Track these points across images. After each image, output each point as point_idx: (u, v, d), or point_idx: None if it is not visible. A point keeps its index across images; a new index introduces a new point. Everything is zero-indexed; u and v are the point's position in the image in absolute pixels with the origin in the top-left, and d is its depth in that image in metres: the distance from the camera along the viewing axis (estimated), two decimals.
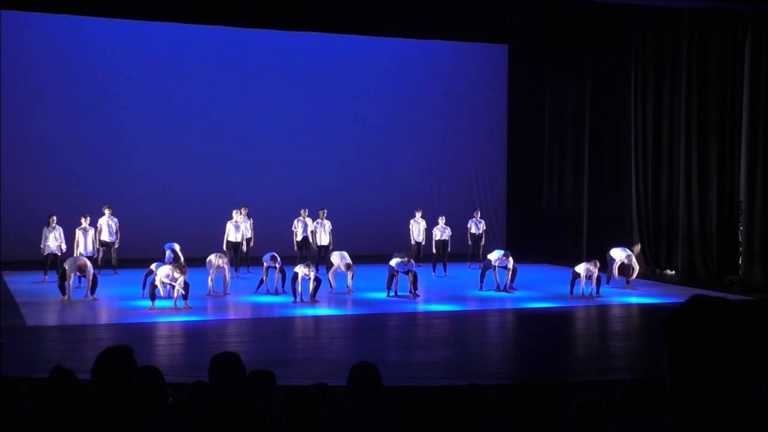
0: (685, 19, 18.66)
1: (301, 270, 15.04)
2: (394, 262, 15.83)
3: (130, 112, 20.95)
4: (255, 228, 19.27)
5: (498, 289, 16.62)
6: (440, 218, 19.94)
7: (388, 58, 22.61)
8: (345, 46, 21.81)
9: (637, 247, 17.54)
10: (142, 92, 21.02)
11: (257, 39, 21.08)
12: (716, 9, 17.39)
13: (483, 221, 20.59)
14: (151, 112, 21.12)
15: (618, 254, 17.19)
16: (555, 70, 23.22)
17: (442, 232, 19.64)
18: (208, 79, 21.51)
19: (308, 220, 18.99)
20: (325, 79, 22.29)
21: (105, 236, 17.75)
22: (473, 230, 20.36)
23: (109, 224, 17.88)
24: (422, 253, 19.54)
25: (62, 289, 14.81)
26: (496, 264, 16.73)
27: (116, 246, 18.04)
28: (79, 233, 17.12)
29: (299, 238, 18.99)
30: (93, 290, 14.99)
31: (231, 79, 21.66)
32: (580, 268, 15.90)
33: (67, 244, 17.17)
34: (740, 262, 18.08)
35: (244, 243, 18.70)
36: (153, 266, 14.89)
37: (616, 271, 17.10)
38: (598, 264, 16.00)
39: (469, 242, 20.37)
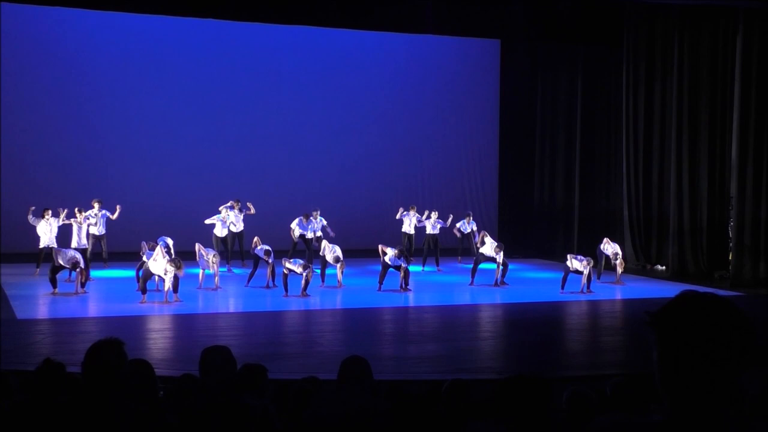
0: (677, 15, 18.69)
1: (292, 265, 15.04)
2: (388, 257, 15.83)
3: (123, 105, 20.91)
4: (248, 221, 19.22)
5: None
6: (433, 213, 19.79)
7: (380, 52, 22.59)
8: (336, 41, 21.78)
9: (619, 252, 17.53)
10: (136, 86, 20.97)
11: (250, 33, 21.03)
12: (707, 5, 17.42)
13: (474, 223, 20.25)
14: (145, 105, 21.07)
15: (606, 248, 17.28)
16: (547, 65, 23.24)
17: (433, 226, 19.55)
18: (202, 73, 21.47)
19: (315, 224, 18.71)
20: (316, 74, 22.26)
21: (93, 230, 17.69)
22: (462, 228, 20.23)
23: (97, 216, 17.80)
24: (413, 247, 19.47)
25: (53, 282, 14.77)
26: (487, 255, 16.74)
27: (104, 241, 17.98)
28: (74, 226, 17.06)
29: (297, 235, 18.80)
30: (83, 284, 14.96)
31: (224, 73, 21.62)
32: (573, 264, 15.91)
33: (60, 237, 17.08)
34: (730, 257, 18.14)
35: (229, 238, 18.58)
36: (144, 257, 14.87)
37: (603, 265, 17.22)
38: (591, 262, 16.04)
39: (459, 235, 20.23)
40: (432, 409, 4.26)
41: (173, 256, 14.74)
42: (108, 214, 17.83)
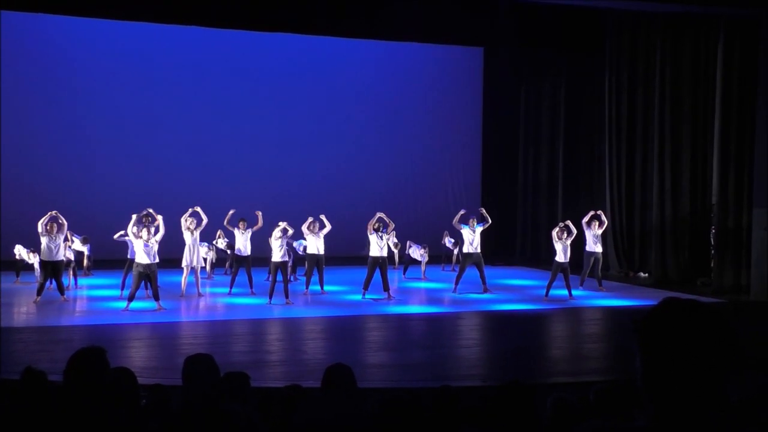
0: (659, 23, 18.81)
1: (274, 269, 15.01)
2: (373, 245, 15.70)
3: (108, 113, 20.85)
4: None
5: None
6: (420, 247, 19.36)
7: (364, 60, 22.62)
8: (320, 48, 21.77)
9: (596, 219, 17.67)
10: (123, 92, 20.94)
11: (237, 40, 21.01)
12: (689, 12, 17.53)
13: (453, 240, 20.04)
14: (129, 113, 21.03)
15: (591, 241, 17.26)
16: (530, 72, 23.32)
17: (418, 251, 19.15)
18: (189, 80, 21.45)
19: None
20: (300, 81, 22.27)
21: (78, 246, 17.62)
22: (447, 241, 20.17)
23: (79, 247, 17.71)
24: (397, 259, 19.32)
25: (40, 290, 14.65)
26: (471, 231, 16.56)
27: (88, 256, 17.86)
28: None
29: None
30: (62, 291, 14.86)
31: (211, 80, 21.60)
32: (557, 240, 16.06)
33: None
34: (712, 264, 18.24)
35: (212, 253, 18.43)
36: (129, 257, 14.81)
37: (591, 263, 17.15)
38: (569, 223, 16.17)
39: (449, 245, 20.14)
40: (422, 417, 4.26)
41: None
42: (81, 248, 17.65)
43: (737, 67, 17.22)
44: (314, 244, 16.07)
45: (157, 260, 14.13)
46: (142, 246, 14.00)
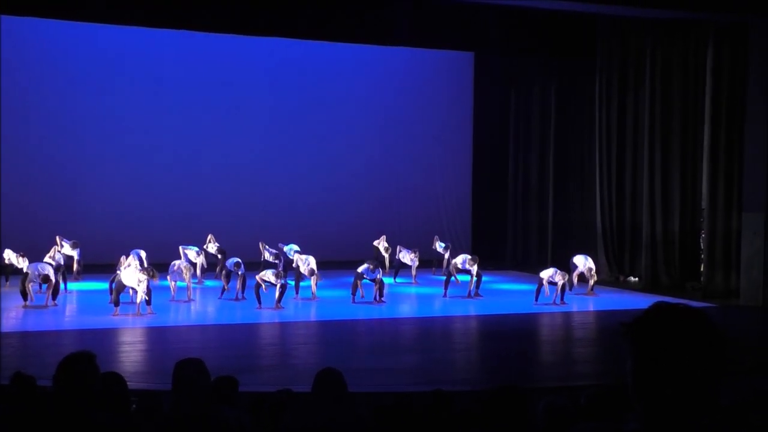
0: (649, 28, 18.88)
1: (266, 275, 14.97)
2: (361, 268, 15.82)
3: (99, 118, 20.76)
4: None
5: (456, 281, 16.65)
6: (410, 252, 19.27)
7: (353, 64, 22.59)
8: (310, 53, 21.73)
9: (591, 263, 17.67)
10: (115, 98, 20.84)
11: (225, 45, 20.96)
12: (679, 18, 17.62)
13: (444, 244, 19.96)
14: (122, 118, 20.94)
15: (580, 261, 17.32)
16: (520, 77, 23.35)
17: (408, 255, 19.13)
18: (182, 85, 21.39)
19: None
20: (291, 86, 22.23)
21: (68, 251, 17.55)
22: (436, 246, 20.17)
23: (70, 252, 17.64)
24: (388, 263, 19.31)
25: (24, 294, 14.60)
26: (461, 267, 16.72)
27: (77, 260, 17.79)
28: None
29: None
30: (54, 296, 14.80)
31: (202, 86, 21.54)
32: (545, 274, 15.97)
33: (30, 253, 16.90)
34: (702, 269, 18.29)
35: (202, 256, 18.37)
36: (119, 272, 14.75)
37: (576, 279, 17.16)
38: (566, 276, 16.07)
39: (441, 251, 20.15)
40: (415, 421, 4.26)
41: (146, 266, 14.62)
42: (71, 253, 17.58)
43: (726, 71, 17.30)
44: (304, 267, 16.01)
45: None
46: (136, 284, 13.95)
